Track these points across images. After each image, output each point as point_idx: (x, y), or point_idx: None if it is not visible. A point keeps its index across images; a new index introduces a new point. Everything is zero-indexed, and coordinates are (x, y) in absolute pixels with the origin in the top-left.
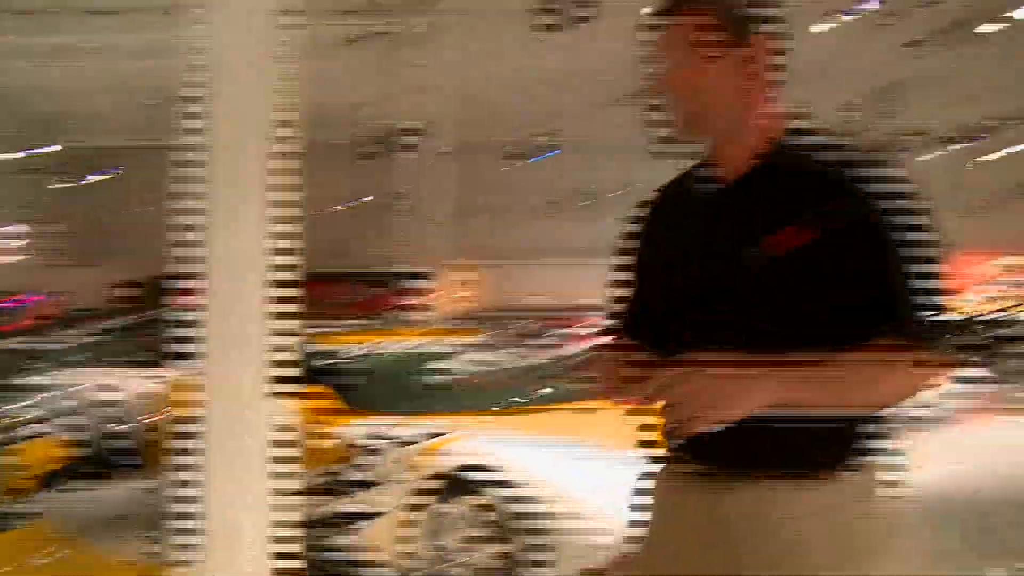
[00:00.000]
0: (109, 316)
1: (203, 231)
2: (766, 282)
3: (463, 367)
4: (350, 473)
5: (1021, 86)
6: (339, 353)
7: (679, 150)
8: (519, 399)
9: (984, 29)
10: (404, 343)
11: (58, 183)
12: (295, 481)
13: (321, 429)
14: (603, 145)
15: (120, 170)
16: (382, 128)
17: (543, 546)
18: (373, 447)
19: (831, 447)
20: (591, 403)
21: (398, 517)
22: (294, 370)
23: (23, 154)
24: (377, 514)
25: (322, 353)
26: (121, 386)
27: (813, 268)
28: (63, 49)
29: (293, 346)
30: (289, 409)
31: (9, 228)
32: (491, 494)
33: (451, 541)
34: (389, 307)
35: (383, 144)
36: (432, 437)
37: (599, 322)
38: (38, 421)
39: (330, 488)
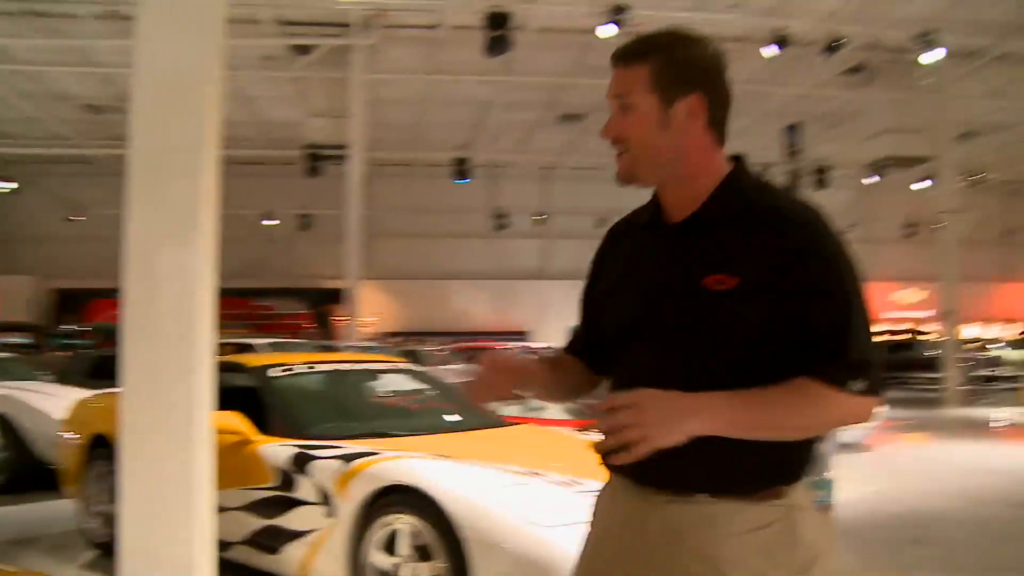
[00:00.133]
0: (10, 331)
1: (128, 245)
2: (704, 318)
3: (385, 388)
4: (275, 493)
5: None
6: (261, 372)
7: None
8: (439, 422)
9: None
10: (326, 364)
11: None
12: (218, 500)
13: (244, 449)
14: (522, 168)
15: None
16: (301, 147)
17: (468, 567)
18: (298, 467)
19: (757, 471)
20: (512, 427)
21: (323, 536)
22: (216, 389)
23: None
24: (302, 533)
25: (243, 371)
26: (31, 403)
27: (750, 306)
28: None
29: (216, 364)
30: (212, 428)
31: None
32: (416, 515)
33: (377, 561)
34: (306, 325)
35: (302, 162)
36: (357, 458)
37: (513, 343)
38: None
39: (255, 507)
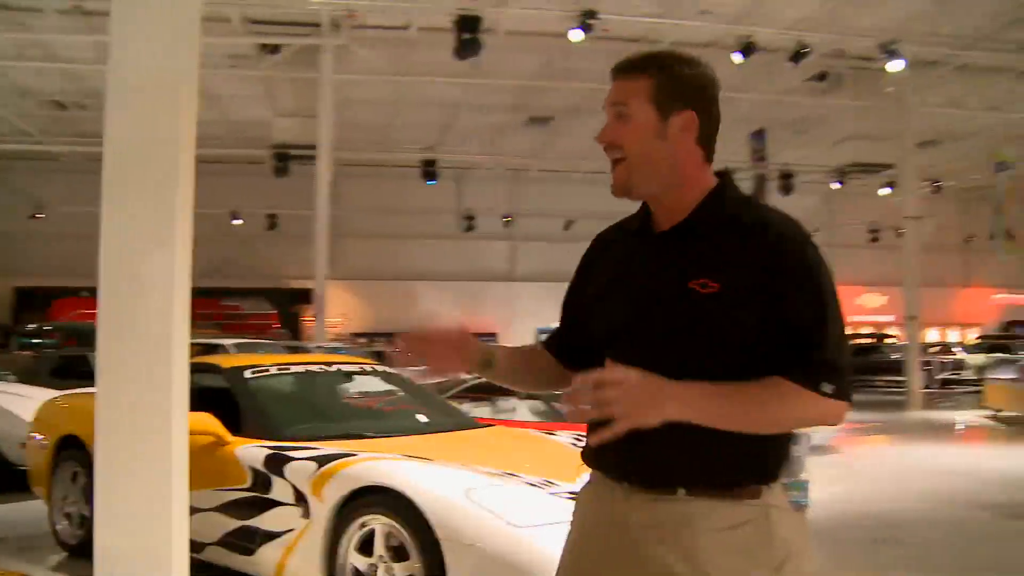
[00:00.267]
0: None
1: (103, 246)
2: (690, 319)
3: (358, 390)
4: (249, 494)
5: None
6: (237, 374)
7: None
8: (413, 424)
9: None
10: (300, 365)
11: None
12: (191, 501)
13: (218, 450)
14: (490, 170)
15: None
16: (269, 146)
17: (443, 567)
18: (273, 468)
19: (735, 468)
20: (484, 429)
21: (298, 537)
22: (189, 390)
23: None
24: (277, 534)
25: (218, 372)
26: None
27: (732, 308)
28: None
29: (189, 364)
30: (187, 428)
31: None
32: (392, 515)
33: (353, 561)
34: (274, 326)
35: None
36: (332, 459)
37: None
38: None
39: (229, 508)
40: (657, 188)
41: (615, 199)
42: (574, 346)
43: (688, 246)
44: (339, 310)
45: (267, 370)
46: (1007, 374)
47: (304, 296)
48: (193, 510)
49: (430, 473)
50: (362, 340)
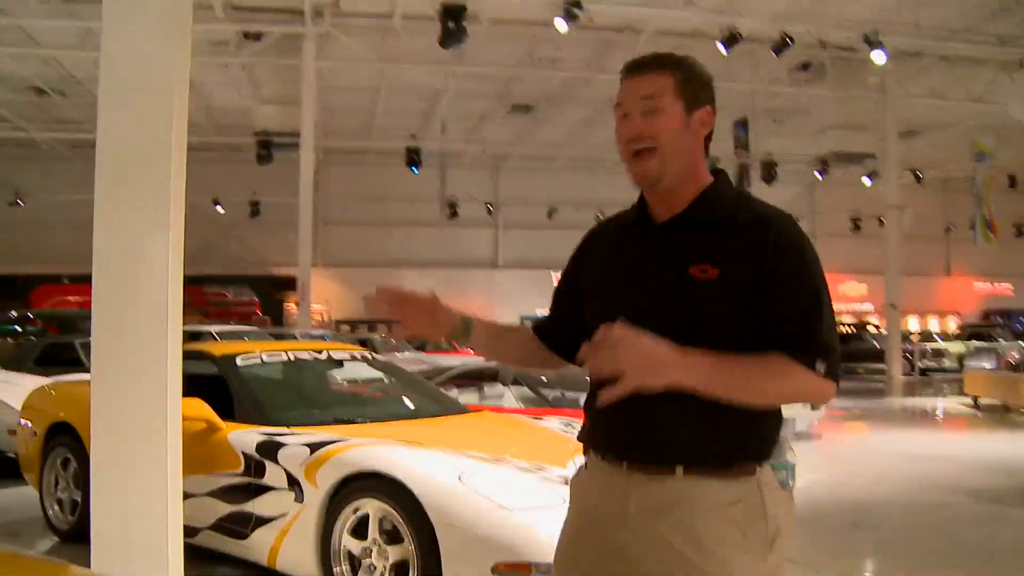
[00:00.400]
0: None
1: (98, 233)
2: (689, 302)
3: (348, 376)
4: (242, 479)
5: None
6: (229, 360)
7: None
8: (403, 410)
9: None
10: (291, 352)
11: None
12: (188, 486)
13: (210, 436)
14: (473, 157)
15: None
16: (253, 134)
17: (437, 550)
18: (266, 453)
19: (730, 449)
20: (474, 414)
21: (291, 521)
22: (183, 375)
23: None
24: (270, 519)
25: (210, 359)
26: None
27: (730, 293)
28: None
29: (182, 351)
30: (182, 414)
31: None
32: (385, 500)
33: (347, 545)
34: (256, 313)
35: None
36: (325, 445)
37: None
38: None
39: (222, 493)
40: (679, 179)
41: (597, 188)
42: (564, 333)
43: (687, 236)
44: (322, 297)
45: (258, 357)
46: (986, 362)
47: (287, 283)
48: (185, 495)
49: (423, 458)
50: (344, 327)
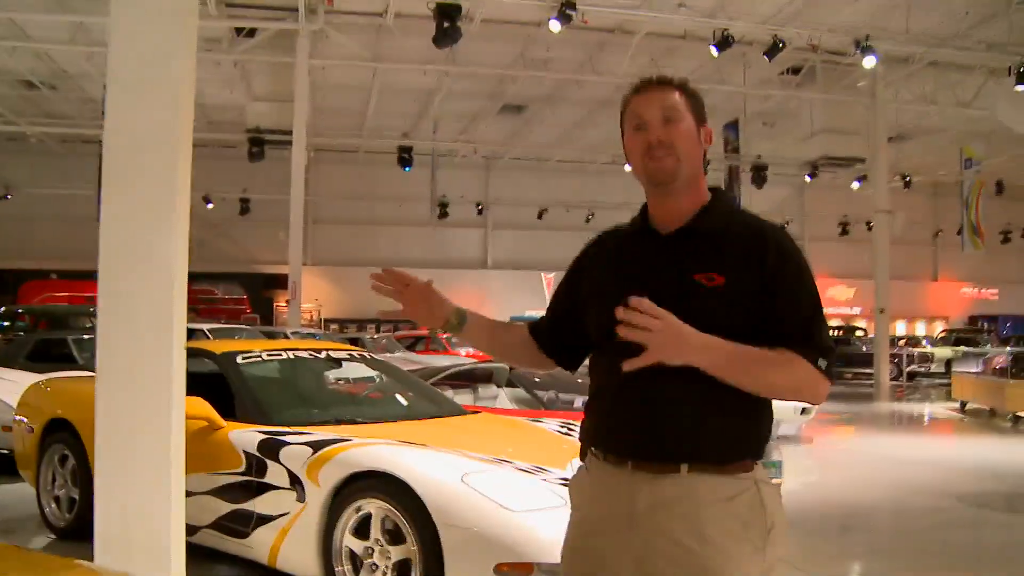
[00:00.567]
0: None
1: (104, 230)
2: (696, 308)
3: (347, 376)
4: (243, 478)
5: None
6: (230, 359)
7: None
8: (402, 410)
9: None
10: (291, 351)
11: None
12: (187, 484)
13: (211, 434)
14: (464, 157)
15: None
16: (244, 131)
17: (440, 550)
18: (268, 452)
19: (730, 446)
20: (473, 416)
21: (293, 520)
22: (186, 373)
23: None
24: (272, 518)
25: (210, 357)
26: None
27: (734, 299)
28: None
29: (185, 348)
30: (184, 412)
31: None
32: (388, 499)
33: (349, 544)
34: (245, 310)
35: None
36: (327, 444)
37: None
38: None
39: (222, 492)
40: (686, 184)
41: (588, 189)
42: (559, 337)
43: (693, 246)
44: (311, 296)
45: (258, 356)
46: (973, 367)
47: (276, 281)
48: (186, 494)
49: (426, 458)
50: (334, 327)
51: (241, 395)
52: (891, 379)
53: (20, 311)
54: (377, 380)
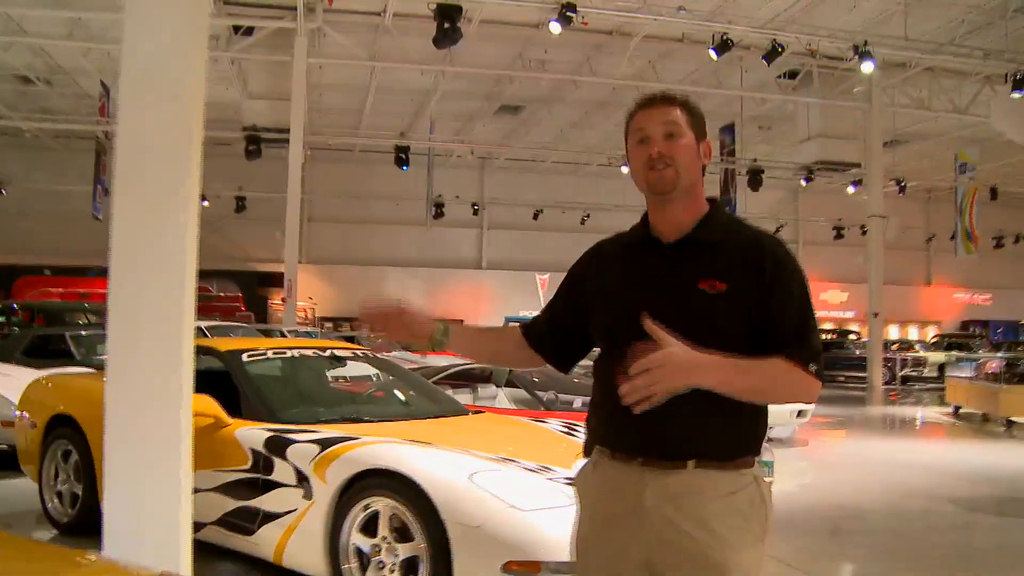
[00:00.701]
0: None
1: (114, 227)
2: (700, 313)
3: (351, 374)
4: (249, 475)
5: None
6: (235, 357)
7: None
8: (407, 409)
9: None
10: (295, 349)
11: None
12: (195, 481)
13: (217, 431)
14: (460, 158)
15: None
16: (241, 129)
17: (448, 548)
18: (274, 450)
19: (733, 444)
20: (477, 415)
21: (299, 518)
22: (194, 371)
23: None
24: (278, 515)
25: (215, 355)
26: None
27: (736, 305)
28: None
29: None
30: (192, 410)
31: None
32: (396, 497)
33: (356, 541)
34: (240, 308)
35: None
36: (335, 442)
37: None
38: None
39: (228, 488)
40: (686, 194)
41: (583, 190)
42: (556, 339)
43: (695, 255)
44: (306, 294)
45: (263, 354)
46: (965, 372)
47: (271, 279)
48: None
49: (434, 457)
50: (328, 325)
51: (247, 393)
52: (884, 383)
53: (15, 307)
54: (381, 379)
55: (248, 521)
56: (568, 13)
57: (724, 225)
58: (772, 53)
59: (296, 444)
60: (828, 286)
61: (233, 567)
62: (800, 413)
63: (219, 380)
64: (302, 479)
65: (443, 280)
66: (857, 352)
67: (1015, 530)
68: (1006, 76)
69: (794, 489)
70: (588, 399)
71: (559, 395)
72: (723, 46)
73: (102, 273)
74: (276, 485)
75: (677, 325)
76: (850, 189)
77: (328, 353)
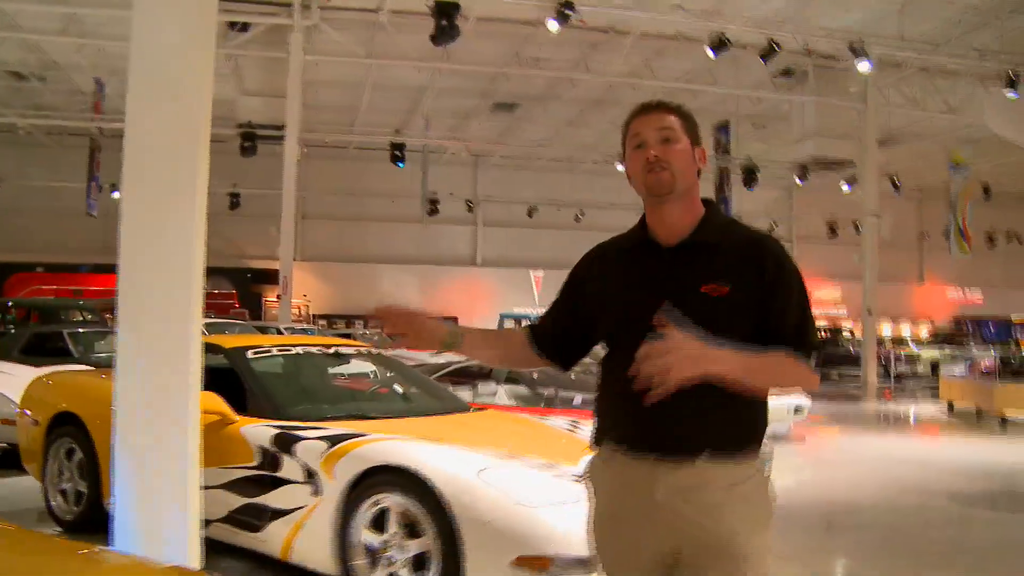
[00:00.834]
0: None
1: (123, 224)
2: (705, 316)
3: (355, 372)
4: (257, 472)
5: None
6: (240, 354)
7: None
8: (412, 406)
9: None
10: (300, 347)
11: None
12: (204, 478)
13: (223, 429)
14: (454, 155)
15: None
16: (236, 125)
17: (457, 543)
18: (282, 447)
19: (740, 438)
20: (480, 412)
21: (307, 514)
22: (203, 368)
23: None
24: (286, 511)
25: (220, 352)
26: None
27: (739, 306)
28: None
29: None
30: (201, 407)
31: None
32: (405, 494)
33: (365, 538)
34: (235, 305)
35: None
36: (343, 439)
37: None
38: None
39: (235, 486)
40: (683, 197)
41: (578, 188)
42: (561, 341)
43: (696, 258)
44: (300, 291)
45: (268, 351)
46: (958, 369)
47: (265, 276)
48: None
49: (443, 453)
50: (322, 322)
51: (253, 390)
52: (878, 380)
53: (9, 304)
54: (384, 376)
55: (255, 518)
56: (566, 11)
57: (722, 227)
58: (769, 52)
59: (304, 441)
60: (822, 284)
61: (239, 564)
62: (797, 410)
63: (222, 377)
64: (310, 476)
65: (438, 277)
66: (851, 349)
67: (1012, 525)
68: (1008, 74)
69: (792, 485)
70: (588, 396)
71: (559, 391)
72: (720, 45)
73: (95, 269)
74: (284, 482)
75: (683, 329)
76: (844, 188)
77: (332, 350)
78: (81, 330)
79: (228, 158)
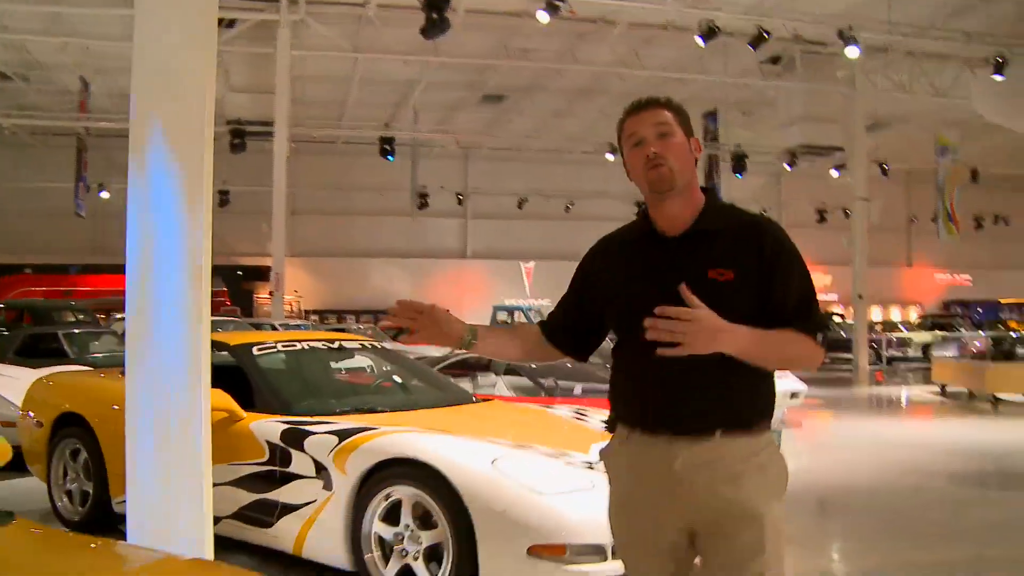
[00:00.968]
0: None
1: (131, 221)
2: (712, 301)
3: (360, 366)
4: (267, 467)
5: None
6: (246, 350)
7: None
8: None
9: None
10: (304, 342)
11: None
12: (213, 475)
13: (232, 425)
14: (443, 148)
15: None
16: (225, 122)
17: (472, 534)
18: (292, 442)
19: (753, 413)
20: (485, 403)
21: (319, 509)
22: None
23: None
24: (297, 506)
25: (226, 349)
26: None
27: (744, 290)
28: None
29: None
30: (210, 403)
31: None
32: (418, 486)
33: (378, 530)
34: (226, 302)
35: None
36: (353, 433)
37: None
38: None
39: (245, 482)
40: (684, 189)
41: (567, 178)
42: (573, 333)
43: (700, 246)
44: (291, 287)
45: (273, 347)
46: (949, 351)
47: (256, 273)
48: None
49: (454, 445)
50: (314, 318)
51: (260, 386)
52: (870, 364)
53: (1, 306)
54: (389, 369)
55: (266, 514)
56: (556, 2)
57: (722, 214)
58: (758, 39)
59: (313, 436)
60: (812, 269)
61: (249, 560)
62: (793, 395)
63: (227, 374)
64: (321, 470)
65: (428, 270)
66: (842, 334)
67: (1009, 504)
68: (998, 59)
69: (790, 469)
70: (588, 385)
71: (558, 382)
72: (709, 33)
73: (84, 270)
74: (294, 477)
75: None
76: (833, 173)
77: (336, 345)
78: (76, 331)
79: (216, 155)
